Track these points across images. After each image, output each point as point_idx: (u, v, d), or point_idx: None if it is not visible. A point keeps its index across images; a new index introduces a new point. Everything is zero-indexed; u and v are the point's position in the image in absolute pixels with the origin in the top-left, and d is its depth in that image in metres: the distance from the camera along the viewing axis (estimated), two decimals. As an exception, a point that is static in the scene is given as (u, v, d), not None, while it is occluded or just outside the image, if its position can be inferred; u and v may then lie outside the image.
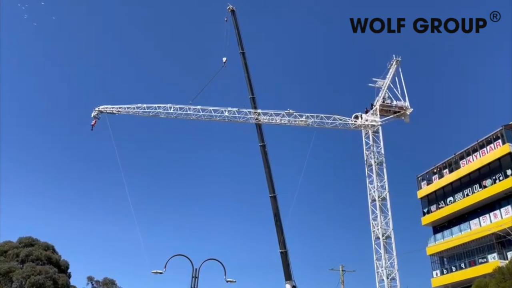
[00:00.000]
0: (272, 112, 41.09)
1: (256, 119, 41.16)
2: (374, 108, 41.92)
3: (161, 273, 26.35)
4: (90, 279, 51.77)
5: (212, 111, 40.68)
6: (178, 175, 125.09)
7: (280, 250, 41.03)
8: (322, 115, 40.82)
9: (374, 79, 43.03)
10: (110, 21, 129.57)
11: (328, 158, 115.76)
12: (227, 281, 27.00)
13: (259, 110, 41.52)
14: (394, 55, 43.48)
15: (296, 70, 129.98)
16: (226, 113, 40.64)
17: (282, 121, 40.90)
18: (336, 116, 40.97)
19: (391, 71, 42.94)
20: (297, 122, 40.81)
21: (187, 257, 26.56)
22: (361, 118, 41.40)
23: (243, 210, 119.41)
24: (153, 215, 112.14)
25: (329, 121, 40.86)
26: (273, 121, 41.12)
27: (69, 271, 45.27)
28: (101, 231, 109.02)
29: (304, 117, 40.65)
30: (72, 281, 45.85)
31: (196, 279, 26.04)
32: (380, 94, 42.23)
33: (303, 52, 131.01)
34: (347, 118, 41.28)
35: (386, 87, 42.38)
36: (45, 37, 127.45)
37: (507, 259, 34.52)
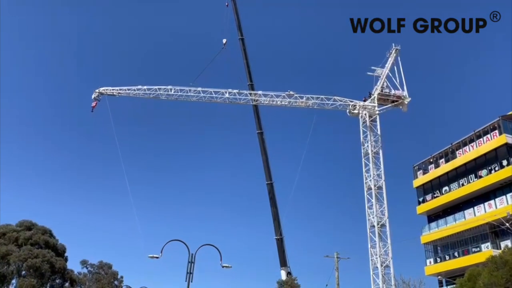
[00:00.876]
0: (272, 94, 41.12)
1: (257, 100, 41.11)
2: (372, 96, 41.86)
3: (157, 257, 26.55)
4: (84, 262, 52.13)
5: (213, 93, 40.65)
6: (178, 164, 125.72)
7: (276, 237, 41.39)
8: (323, 96, 41.04)
9: (373, 67, 42.90)
10: (110, 2, 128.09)
11: (326, 147, 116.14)
12: (223, 267, 27.25)
13: (259, 92, 41.44)
14: (393, 44, 43.28)
15: (296, 59, 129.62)
16: (227, 95, 40.64)
17: (283, 103, 40.91)
18: (336, 97, 41.07)
19: (390, 60, 42.75)
20: (297, 104, 40.83)
21: (183, 242, 26.77)
22: (359, 106, 41.37)
23: (241, 198, 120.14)
24: (152, 204, 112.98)
25: (329, 102, 40.91)
26: (274, 103, 41.11)
27: (66, 255, 45.60)
28: (99, 219, 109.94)
29: (304, 98, 40.70)
30: (69, 265, 46.25)
31: (192, 264, 26.25)
32: (378, 83, 42.11)
33: (302, 42, 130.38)
34: (347, 99, 41.31)
35: (384, 76, 42.25)
36: (44, 18, 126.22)
37: (500, 248, 34.88)
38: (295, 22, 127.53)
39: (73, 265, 51.22)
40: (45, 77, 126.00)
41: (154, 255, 26.73)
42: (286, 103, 40.87)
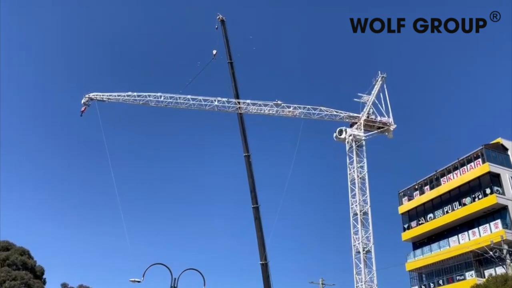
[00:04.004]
0: (261, 103, 41.69)
1: (245, 109, 41.61)
2: (358, 123, 42.32)
3: (139, 281, 25.92)
4: (64, 286, 50.69)
5: (202, 101, 41.10)
6: (169, 174, 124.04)
7: (261, 262, 40.85)
8: (309, 106, 41.54)
9: (359, 94, 43.48)
10: (103, 9, 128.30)
11: (312, 172, 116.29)
12: (206, 292, 26.72)
13: (248, 101, 41.96)
14: (379, 71, 44.10)
15: (286, 68, 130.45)
16: (216, 103, 41.12)
17: (271, 112, 41.48)
18: (322, 108, 41.59)
19: (376, 87, 43.44)
20: (284, 113, 41.43)
21: (166, 266, 26.26)
22: (346, 132, 41.74)
23: (228, 219, 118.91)
24: (132, 220, 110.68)
25: (315, 112, 41.40)
26: (262, 111, 41.62)
27: (44, 277, 44.31)
28: (80, 238, 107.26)
29: (291, 107, 41.29)
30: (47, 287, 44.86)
31: (175, 288, 25.69)
32: (364, 109, 42.65)
33: (293, 50, 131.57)
34: (333, 109, 41.84)
35: (371, 103, 42.84)
36: (34, 23, 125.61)
37: (485, 277, 34.93)
38: (287, 26, 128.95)
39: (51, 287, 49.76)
40: (32, 80, 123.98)
41: (136, 279, 26.09)
42: (273, 112, 41.50)
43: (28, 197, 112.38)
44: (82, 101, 42.79)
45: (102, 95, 42.73)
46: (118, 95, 42.21)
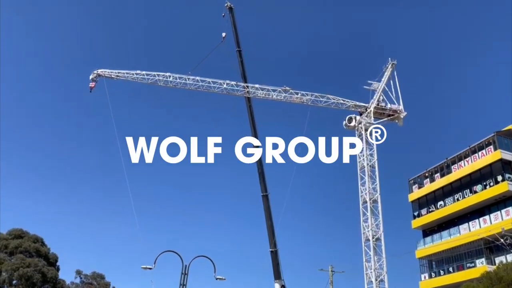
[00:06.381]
0: (269, 88, 41.59)
1: (253, 93, 41.60)
2: (368, 110, 42.02)
3: (150, 268, 26.26)
4: (78, 272, 51.66)
5: (211, 83, 41.01)
6: (171, 169, 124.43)
7: (271, 249, 41.06)
8: (317, 93, 41.49)
9: (369, 81, 43.07)
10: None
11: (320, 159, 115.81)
12: (217, 279, 27.01)
13: (256, 85, 41.82)
14: (390, 58, 43.57)
15: (297, 58, 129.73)
16: (225, 85, 41.03)
17: (278, 97, 41.47)
18: (329, 96, 41.54)
19: (387, 74, 43.01)
20: (292, 99, 41.39)
21: (177, 253, 26.53)
22: (355, 119, 41.52)
23: (238, 207, 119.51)
24: (144, 209, 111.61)
25: (323, 99, 41.42)
26: (270, 96, 41.56)
27: (57, 264, 45.09)
28: (92, 226, 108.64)
29: (299, 94, 41.28)
30: (61, 275, 45.72)
31: (186, 275, 25.99)
32: (374, 97, 42.27)
33: (303, 41, 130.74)
34: (339, 98, 41.79)
35: (381, 90, 42.44)
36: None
37: (495, 264, 34.82)
38: (296, 19, 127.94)
39: (67, 275, 50.65)
40: (42, 63, 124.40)
41: (147, 266, 26.42)
42: (281, 98, 41.49)
43: (39, 185, 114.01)
44: (90, 77, 42.80)
45: (111, 72, 42.87)
46: (127, 73, 42.30)
